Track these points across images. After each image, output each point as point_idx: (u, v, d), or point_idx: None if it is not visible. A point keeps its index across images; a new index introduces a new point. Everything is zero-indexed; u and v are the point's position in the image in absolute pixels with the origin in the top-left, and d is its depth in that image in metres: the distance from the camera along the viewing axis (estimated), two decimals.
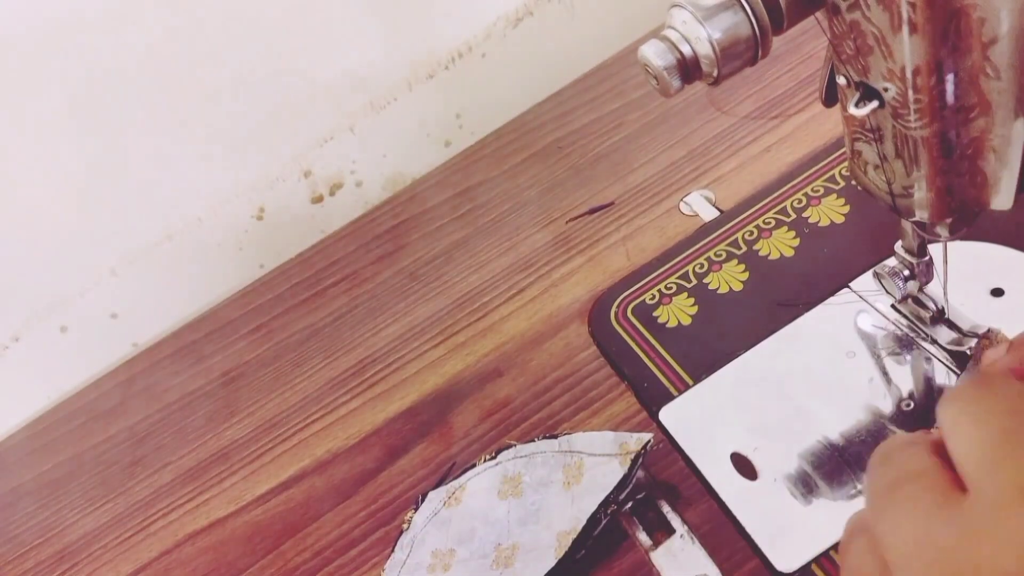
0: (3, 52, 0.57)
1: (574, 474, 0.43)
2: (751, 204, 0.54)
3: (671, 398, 0.46)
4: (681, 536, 0.41)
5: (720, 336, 0.48)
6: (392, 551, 0.46)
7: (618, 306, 0.52)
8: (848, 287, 0.46)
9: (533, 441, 0.46)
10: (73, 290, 0.69)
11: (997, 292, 0.42)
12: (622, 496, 0.41)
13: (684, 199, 0.58)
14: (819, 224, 0.50)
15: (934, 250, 0.39)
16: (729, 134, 0.61)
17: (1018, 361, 0.30)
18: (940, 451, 0.28)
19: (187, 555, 0.53)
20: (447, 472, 0.49)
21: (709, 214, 0.55)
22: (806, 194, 0.53)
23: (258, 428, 0.58)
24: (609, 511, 0.41)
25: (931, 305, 0.40)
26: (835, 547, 0.37)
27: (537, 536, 0.42)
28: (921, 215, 0.33)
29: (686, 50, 0.29)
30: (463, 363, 0.55)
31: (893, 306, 0.43)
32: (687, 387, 0.46)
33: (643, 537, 0.41)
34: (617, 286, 0.54)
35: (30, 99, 0.59)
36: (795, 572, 0.37)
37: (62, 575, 0.56)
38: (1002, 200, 0.30)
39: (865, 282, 0.46)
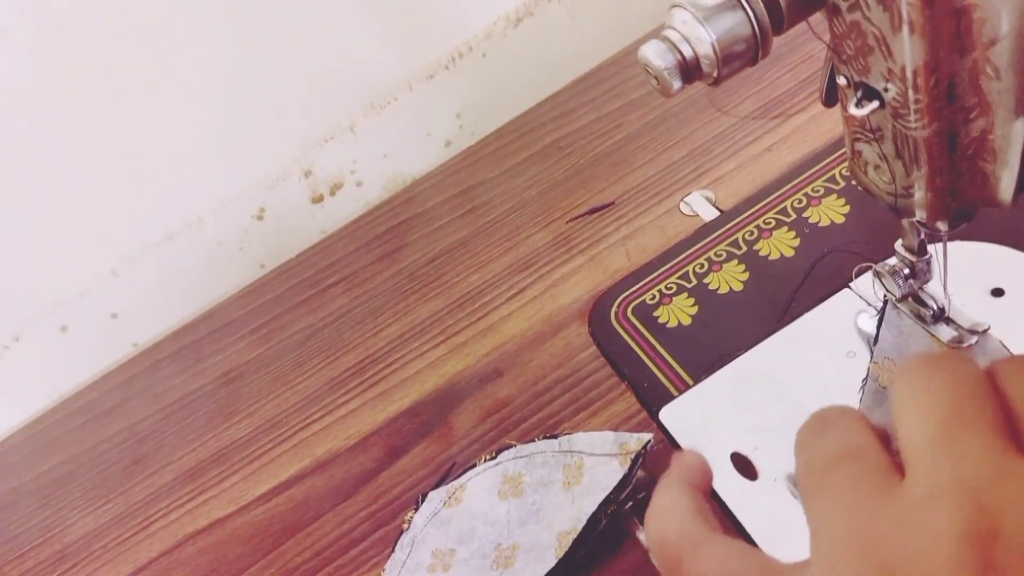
0: (3, 54, 0.57)
1: (574, 474, 0.43)
2: (751, 204, 0.54)
3: (671, 398, 0.46)
4: None
5: (720, 336, 0.48)
6: (392, 551, 0.46)
7: (618, 306, 0.52)
8: (848, 287, 0.46)
9: (533, 441, 0.46)
10: (73, 290, 0.69)
11: (997, 292, 0.42)
12: (622, 496, 0.41)
13: (684, 199, 0.58)
14: (819, 224, 0.51)
15: (934, 249, 0.39)
16: (729, 134, 0.61)
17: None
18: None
19: (187, 555, 0.53)
20: (447, 472, 0.49)
21: (709, 214, 0.55)
22: (806, 194, 0.53)
23: (258, 428, 0.58)
24: (609, 511, 0.41)
25: (932, 304, 0.40)
26: None
27: (537, 536, 0.42)
28: (921, 215, 0.33)
29: (686, 50, 0.29)
30: (463, 363, 0.55)
31: (894, 304, 0.43)
32: (687, 387, 0.46)
33: (643, 537, 0.41)
34: (617, 286, 0.54)
35: (28, 99, 0.59)
36: None
37: (62, 575, 0.56)
38: (1002, 200, 0.30)
39: (865, 282, 0.46)
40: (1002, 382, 0.26)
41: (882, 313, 0.42)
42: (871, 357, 0.41)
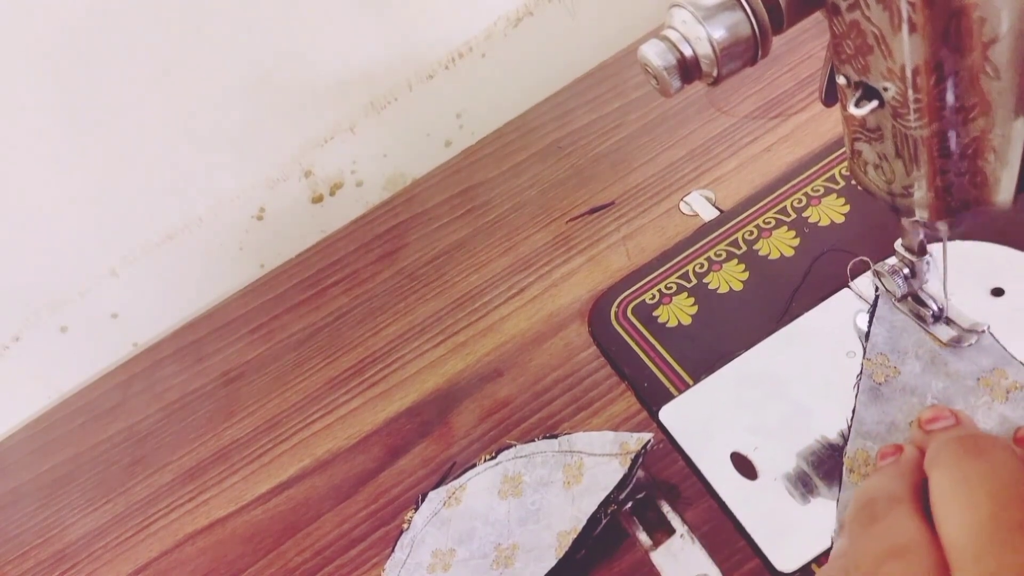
0: (3, 53, 0.57)
1: (574, 474, 0.43)
2: (751, 204, 0.54)
3: (671, 398, 0.46)
4: (681, 536, 0.41)
5: (720, 336, 0.48)
6: (392, 551, 0.46)
7: (618, 306, 0.52)
8: (848, 287, 0.46)
9: (533, 441, 0.46)
10: (73, 290, 0.69)
11: (997, 292, 0.42)
12: (622, 496, 0.41)
13: (684, 199, 0.58)
14: (819, 224, 0.51)
15: (934, 249, 0.39)
16: (729, 134, 0.61)
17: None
18: (916, 474, 0.29)
19: (187, 555, 0.53)
20: (447, 472, 0.49)
21: (709, 214, 0.55)
22: (806, 194, 0.53)
23: (258, 428, 0.58)
24: (609, 511, 0.41)
25: (931, 304, 0.40)
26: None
27: (537, 536, 0.42)
28: (921, 214, 0.33)
29: (686, 50, 0.29)
30: (463, 363, 0.55)
31: (886, 300, 0.44)
32: (687, 387, 0.46)
33: (643, 537, 0.41)
34: (617, 286, 0.54)
35: (30, 99, 0.60)
36: (795, 572, 0.37)
37: (62, 575, 0.56)
38: (1002, 199, 0.30)
39: (864, 281, 0.46)
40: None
41: (873, 309, 0.42)
42: (864, 354, 0.41)
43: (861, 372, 0.41)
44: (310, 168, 0.72)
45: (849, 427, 0.39)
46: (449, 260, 0.63)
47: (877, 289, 0.43)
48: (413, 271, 0.64)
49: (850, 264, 0.46)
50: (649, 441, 0.42)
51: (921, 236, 0.38)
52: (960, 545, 0.25)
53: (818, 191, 0.52)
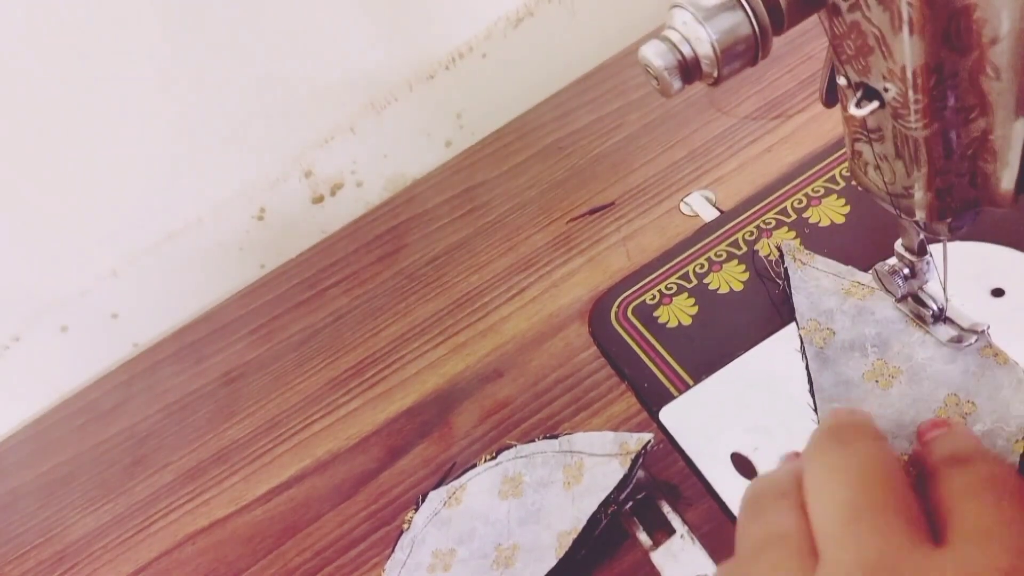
0: (3, 56, 0.57)
1: (574, 474, 0.43)
2: (751, 204, 0.54)
3: (671, 398, 0.46)
4: (681, 536, 0.41)
5: (720, 336, 0.48)
6: (392, 551, 0.46)
7: (618, 306, 0.52)
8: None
9: (533, 441, 0.46)
10: (73, 290, 0.69)
11: (997, 292, 0.42)
12: (622, 496, 0.41)
13: (684, 199, 0.58)
14: (819, 224, 0.51)
15: (934, 249, 0.39)
16: (729, 134, 0.61)
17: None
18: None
19: (187, 555, 0.53)
20: (447, 472, 0.49)
21: (709, 214, 0.56)
22: (806, 194, 0.53)
23: (258, 428, 0.58)
24: (609, 511, 0.41)
25: (931, 304, 0.40)
26: None
27: (537, 536, 0.42)
28: (921, 215, 0.33)
29: (686, 50, 0.29)
30: (463, 363, 0.55)
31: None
32: (687, 387, 0.46)
33: (643, 537, 0.41)
34: (617, 286, 0.54)
35: (29, 99, 0.60)
36: None
37: (62, 575, 0.56)
38: (1003, 200, 0.30)
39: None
40: (931, 473, 0.28)
41: (787, 283, 0.43)
42: (797, 326, 0.42)
43: (801, 343, 0.42)
44: (310, 168, 0.72)
45: (812, 395, 0.40)
46: (449, 260, 0.63)
47: (784, 260, 0.45)
48: (413, 271, 0.64)
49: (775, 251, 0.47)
50: (649, 441, 0.42)
51: (921, 236, 0.38)
52: (824, 531, 0.26)
53: (818, 192, 0.52)
